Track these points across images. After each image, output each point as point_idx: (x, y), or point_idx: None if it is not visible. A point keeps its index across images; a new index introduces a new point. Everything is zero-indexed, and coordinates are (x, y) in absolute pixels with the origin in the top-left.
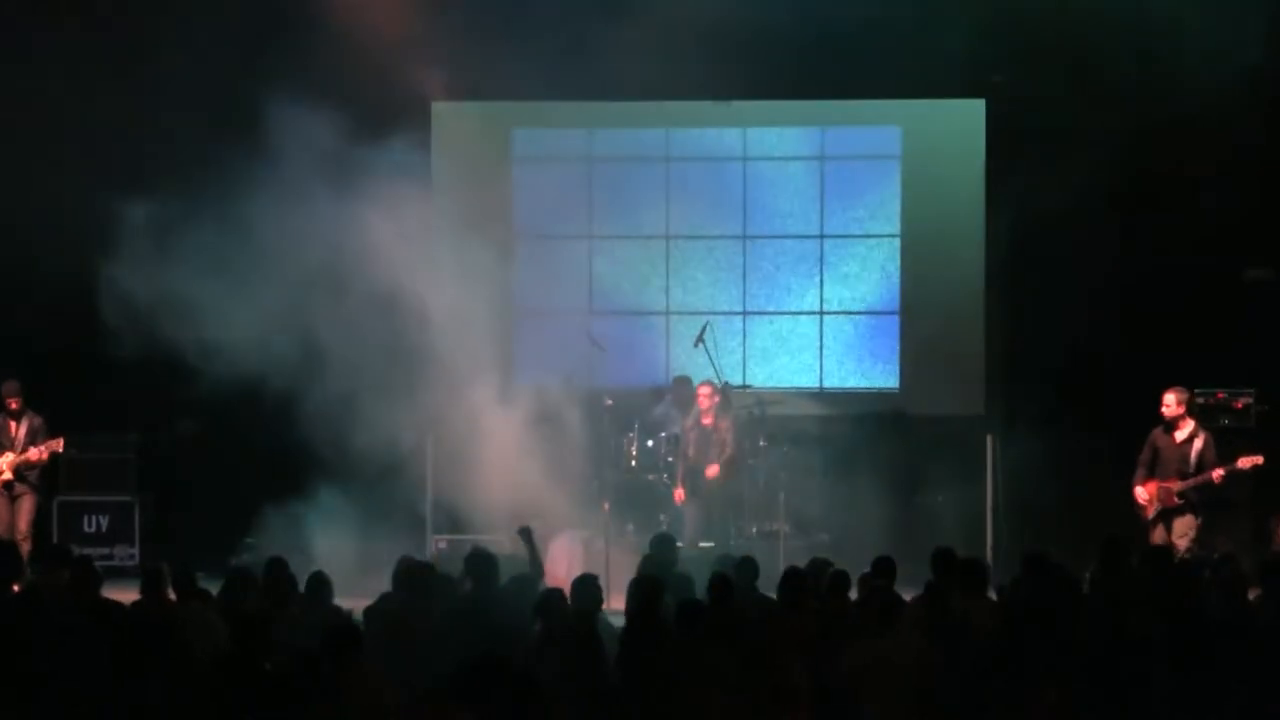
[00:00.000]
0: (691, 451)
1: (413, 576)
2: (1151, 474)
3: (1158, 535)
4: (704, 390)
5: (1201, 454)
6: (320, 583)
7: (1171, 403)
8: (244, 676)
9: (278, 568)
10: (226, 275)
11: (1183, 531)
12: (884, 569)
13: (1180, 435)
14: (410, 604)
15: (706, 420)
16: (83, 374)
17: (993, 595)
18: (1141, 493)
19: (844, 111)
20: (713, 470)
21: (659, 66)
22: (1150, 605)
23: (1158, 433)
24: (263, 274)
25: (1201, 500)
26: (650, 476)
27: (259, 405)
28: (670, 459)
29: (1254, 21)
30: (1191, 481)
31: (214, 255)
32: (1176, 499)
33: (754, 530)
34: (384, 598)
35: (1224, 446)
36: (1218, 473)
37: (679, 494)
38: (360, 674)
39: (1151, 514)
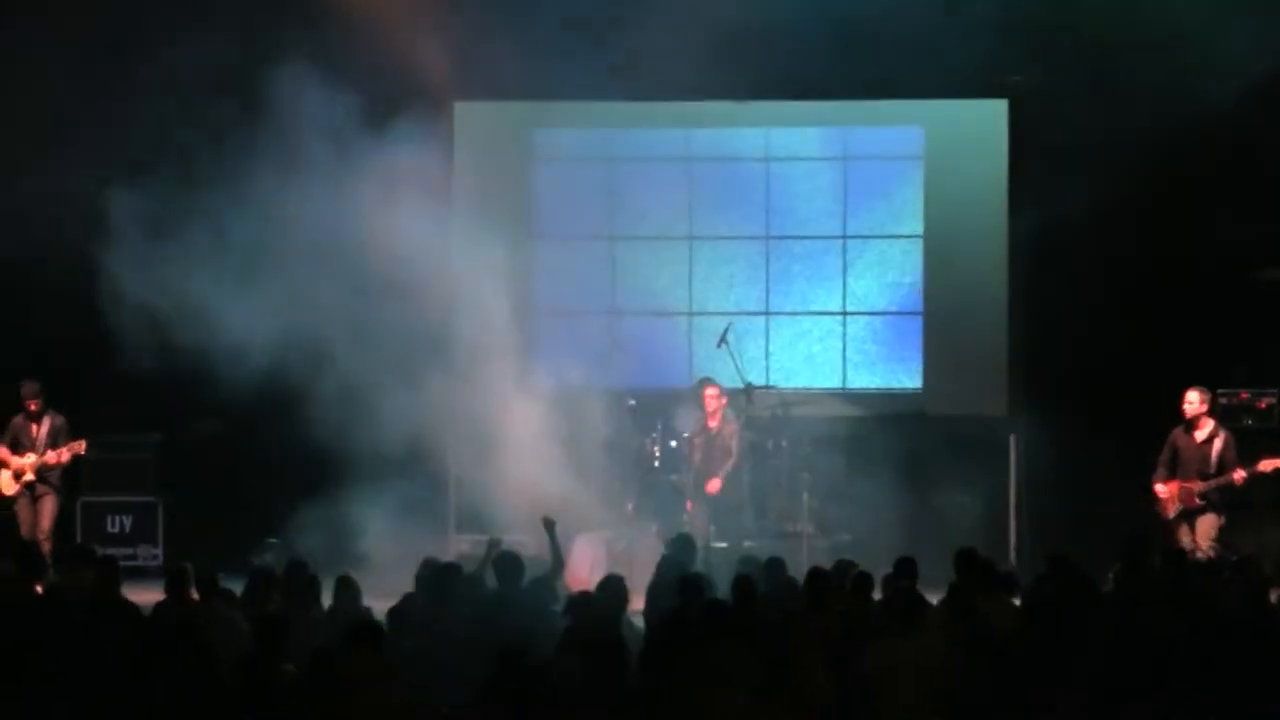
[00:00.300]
0: (698, 457)
1: (435, 577)
2: (1172, 474)
3: (1182, 535)
4: (710, 392)
5: (1222, 454)
6: (347, 584)
7: (1195, 400)
8: (264, 676)
9: (299, 569)
10: (247, 275)
11: (1206, 532)
12: (906, 570)
13: (1200, 435)
14: (433, 605)
15: (712, 423)
16: (106, 374)
17: (1016, 596)
18: (1162, 489)
19: (866, 112)
20: (714, 485)
21: (680, 67)
22: (1171, 606)
23: (1178, 432)
24: (284, 274)
25: (1224, 501)
26: (673, 477)
27: (281, 405)
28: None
29: (1275, 23)
30: (1213, 482)
31: (233, 255)
32: (1198, 499)
33: (777, 530)
34: (407, 598)
35: (1246, 447)
36: (1239, 474)
37: (690, 506)
38: (378, 671)
39: (1172, 513)
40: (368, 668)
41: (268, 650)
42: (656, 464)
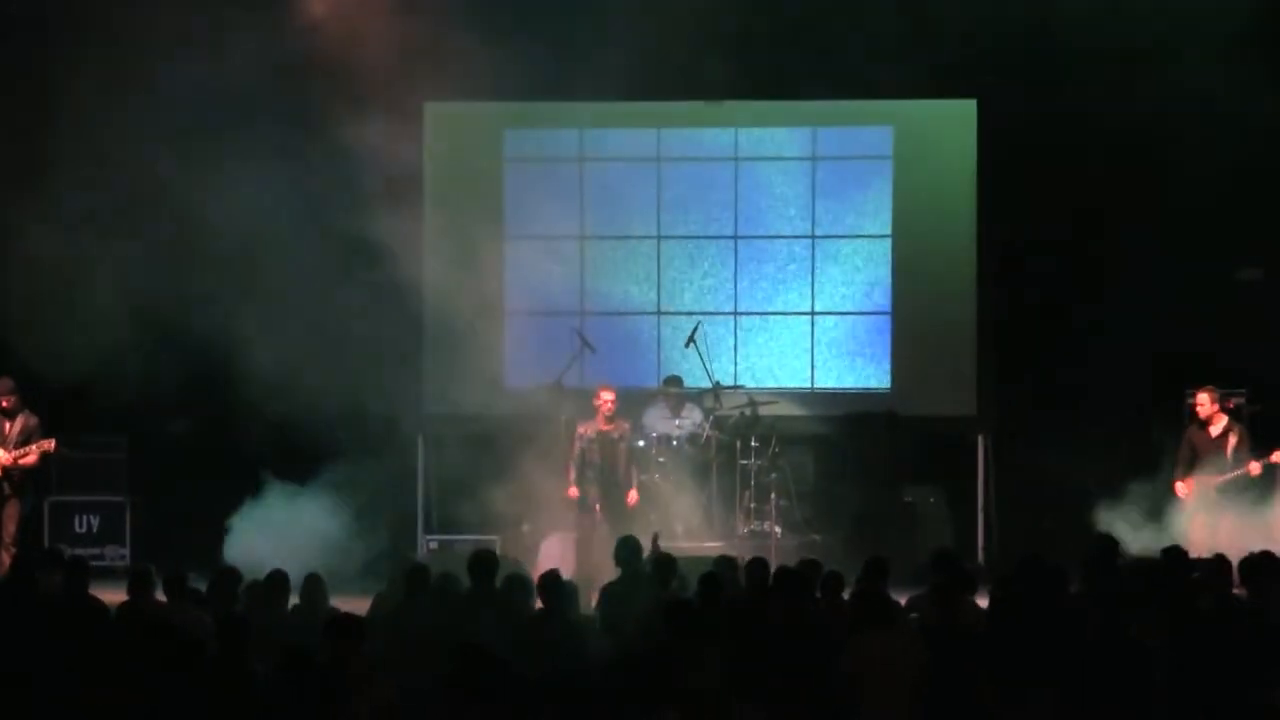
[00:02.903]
0: (599, 459)
1: (409, 576)
2: (1190, 471)
3: (1197, 530)
4: (606, 395)
5: (1236, 448)
6: (315, 583)
7: (1205, 402)
8: (231, 677)
9: (278, 576)
10: (216, 276)
11: (1225, 526)
12: (877, 570)
13: (1215, 431)
14: (406, 603)
15: (605, 426)
16: (74, 374)
17: (985, 597)
18: (1181, 488)
19: (836, 112)
20: (633, 498)
21: (651, 67)
22: (1139, 605)
23: (1193, 430)
24: (254, 274)
25: (1242, 495)
26: (641, 477)
27: (250, 406)
28: (661, 460)
29: (1244, 20)
30: (1229, 475)
31: (204, 257)
32: (1215, 493)
33: (745, 531)
34: (380, 597)
35: None
36: (1254, 466)
37: (572, 490)
38: (364, 666)
39: (1190, 508)
40: (349, 664)
41: (232, 650)
42: None
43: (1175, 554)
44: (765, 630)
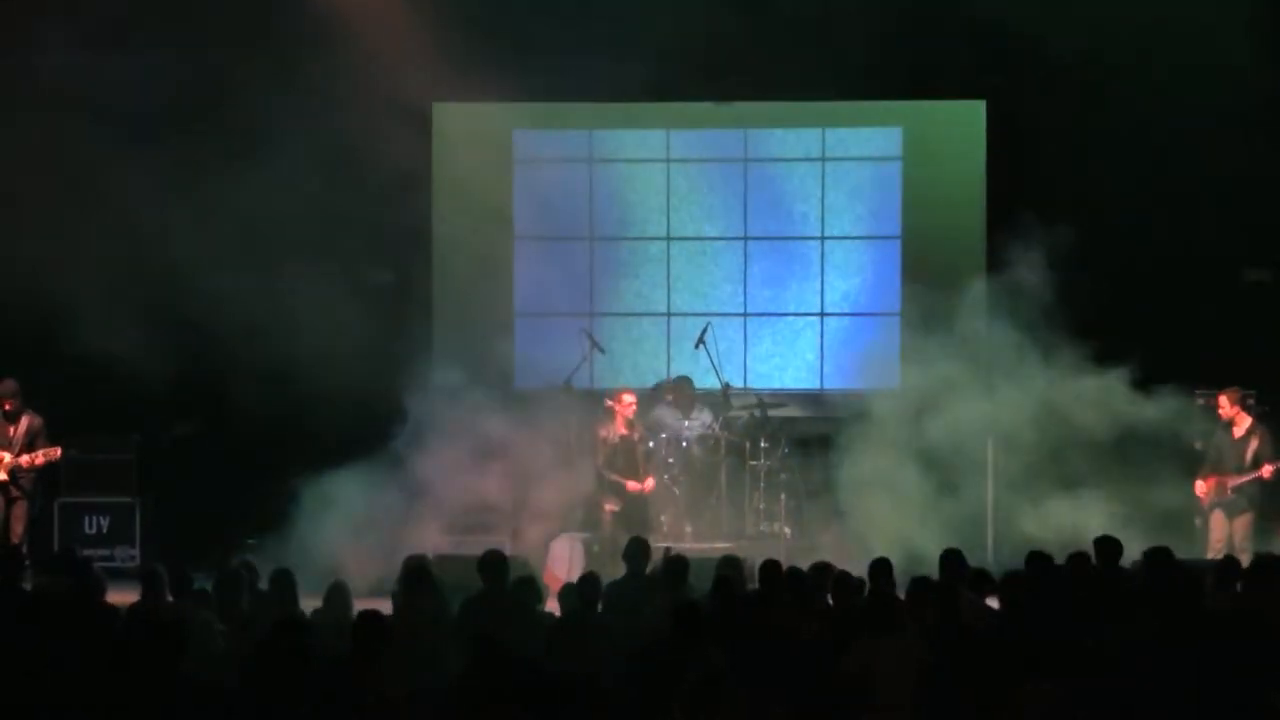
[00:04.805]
0: (621, 463)
1: (420, 576)
2: (1213, 471)
3: (1215, 529)
4: (628, 399)
5: (1257, 450)
6: (339, 590)
7: (1225, 404)
8: (285, 677)
9: (282, 571)
10: (229, 278)
11: (1240, 529)
12: (883, 570)
13: (1239, 431)
14: (416, 604)
15: (624, 431)
16: (84, 375)
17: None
18: (1200, 485)
19: (845, 113)
20: (650, 484)
21: (660, 68)
22: (1146, 604)
23: (1219, 430)
24: (264, 276)
25: (1261, 497)
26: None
27: (260, 407)
28: (670, 461)
29: (1250, 23)
30: (1245, 477)
31: (212, 257)
32: (1230, 492)
33: (755, 531)
34: (393, 598)
35: None
36: (1267, 469)
37: (649, 482)
38: (381, 669)
39: (1207, 505)
40: (373, 665)
41: (289, 651)
42: None
43: (1163, 555)
44: (772, 631)
